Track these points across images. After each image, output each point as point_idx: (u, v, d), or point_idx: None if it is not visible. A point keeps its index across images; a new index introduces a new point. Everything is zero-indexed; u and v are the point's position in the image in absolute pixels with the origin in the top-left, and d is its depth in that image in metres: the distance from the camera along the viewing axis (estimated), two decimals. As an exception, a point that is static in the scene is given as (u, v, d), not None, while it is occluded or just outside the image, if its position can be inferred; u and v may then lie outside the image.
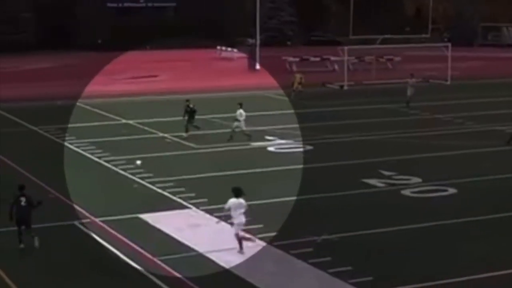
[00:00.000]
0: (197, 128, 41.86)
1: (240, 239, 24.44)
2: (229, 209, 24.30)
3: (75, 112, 50.94)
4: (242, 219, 24.24)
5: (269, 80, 65.24)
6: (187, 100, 42.90)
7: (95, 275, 22.83)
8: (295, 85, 58.55)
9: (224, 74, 72.53)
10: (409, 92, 53.44)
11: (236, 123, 40.81)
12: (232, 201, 24.20)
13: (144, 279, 22.41)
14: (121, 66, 77.08)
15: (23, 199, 24.51)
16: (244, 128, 40.87)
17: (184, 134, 41.65)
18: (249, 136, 40.74)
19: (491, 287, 21.75)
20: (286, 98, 56.25)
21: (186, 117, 42.11)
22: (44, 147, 40.55)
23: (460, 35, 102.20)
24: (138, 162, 34.90)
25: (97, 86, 62.09)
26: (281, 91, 59.33)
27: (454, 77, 66.46)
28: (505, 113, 49.13)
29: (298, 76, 60.53)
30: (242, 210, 24.16)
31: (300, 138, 41.41)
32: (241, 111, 40.79)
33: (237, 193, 24.25)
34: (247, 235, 24.97)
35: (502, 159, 37.35)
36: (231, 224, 24.40)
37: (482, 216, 28.00)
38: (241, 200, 24.26)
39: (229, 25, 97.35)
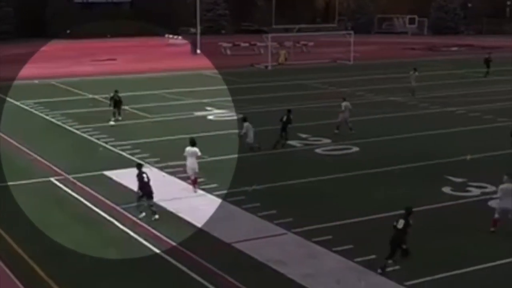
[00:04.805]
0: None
1: (193, 181, 25.30)
2: (185, 156, 25.26)
3: (48, 89, 50.23)
4: (195, 164, 25.10)
5: (207, 62, 65.05)
6: (116, 91, 38.31)
7: (67, 221, 22.72)
8: (281, 59, 59.42)
9: (171, 57, 72.03)
10: (412, 84, 46.80)
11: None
12: (188, 149, 25.24)
13: (108, 223, 22.39)
14: (86, 51, 76.00)
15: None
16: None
17: (111, 122, 37.22)
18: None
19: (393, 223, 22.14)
20: (219, 76, 56.03)
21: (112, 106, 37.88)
22: (24, 118, 39.88)
23: (361, 25, 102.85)
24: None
25: (65, 68, 61.25)
26: (216, 71, 59.14)
27: (356, 58, 66.96)
28: (396, 87, 49.84)
29: (283, 52, 60.86)
30: (195, 157, 25.12)
31: (234, 108, 41.43)
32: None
33: (193, 143, 25.35)
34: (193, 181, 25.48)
35: (394, 124, 37.89)
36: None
37: (378, 168, 28.48)
38: (195, 149, 25.17)
39: (175, 17, 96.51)
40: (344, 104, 34.99)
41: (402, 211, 18.42)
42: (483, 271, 18.63)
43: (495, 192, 24.94)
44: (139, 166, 23.17)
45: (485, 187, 25.68)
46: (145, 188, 22.52)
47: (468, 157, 29.84)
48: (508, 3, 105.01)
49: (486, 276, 18.45)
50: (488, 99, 45.15)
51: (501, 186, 21.32)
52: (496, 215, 21.34)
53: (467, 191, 25.52)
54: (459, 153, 30.47)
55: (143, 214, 22.63)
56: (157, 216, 22.45)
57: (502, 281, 18.21)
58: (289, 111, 32.54)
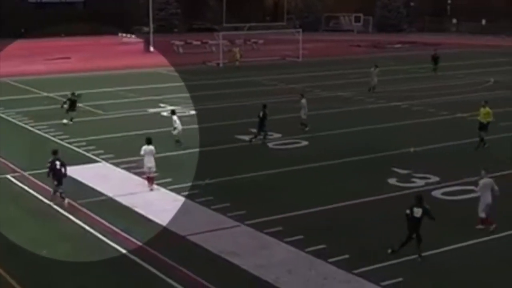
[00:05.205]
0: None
1: (149, 179, 24.97)
2: (143, 154, 24.98)
3: (3, 87, 49.37)
4: (152, 162, 24.87)
5: (161, 59, 64.76)
6: (73, 93, 37.17)
7: (23, 217, 22.42)
8: (237, 57, 60.87)
9: (124, 56, 71.51)
10: (374, 80, 46.46)
11: None
12: (145, 147, 24.93)
13: (65, 218, 22.15)
14: (40, 50, 74.98)
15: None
16: None
17: (64, 121, 36.09)
18: None
19: (342, 214, 22.35)
20: (173, 73, 55.82)
21: (67, 106, 36.50)
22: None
23: (308, 23, 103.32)
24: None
25: (20, 67, 60.32)
26: (171, 68, 58.92)
27: (304, 55, 67.28)
28: (344, 82, 50.25)
29: (237, 50, 60.84)
30: (152, 155, 24.93)
31: (187, 105, 41.29)
32: None
33: (149, 142, 25.04)
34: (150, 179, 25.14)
35: (342, 118, 38.19)
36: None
37: (327, 161, 28.67)
38: (151, 147, 24.96)
39: (128, 16, 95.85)
40: (303, 101, 34.99)
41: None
42: (431, 257, 18.82)
43: (438, 183, 25.46)
44: (54, 152, 23.50)
45: (429, 178, 26.07)
46: (56, 174, 22.95)
47: (412, 149, 30.23)
48: (449, 2, 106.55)
49: (435, 261, 18.66)
50: (431, 93, 45.84)
51: (481, 182, 20.73)
52: (483, 214, 20.75)
53: (412, 182, 25.84)
54: (404, 146, 30.85)
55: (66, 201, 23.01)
56: (66, 201, 22.84)
57: (450, 267, 18.40)
58: (264, 106, 32.47)
